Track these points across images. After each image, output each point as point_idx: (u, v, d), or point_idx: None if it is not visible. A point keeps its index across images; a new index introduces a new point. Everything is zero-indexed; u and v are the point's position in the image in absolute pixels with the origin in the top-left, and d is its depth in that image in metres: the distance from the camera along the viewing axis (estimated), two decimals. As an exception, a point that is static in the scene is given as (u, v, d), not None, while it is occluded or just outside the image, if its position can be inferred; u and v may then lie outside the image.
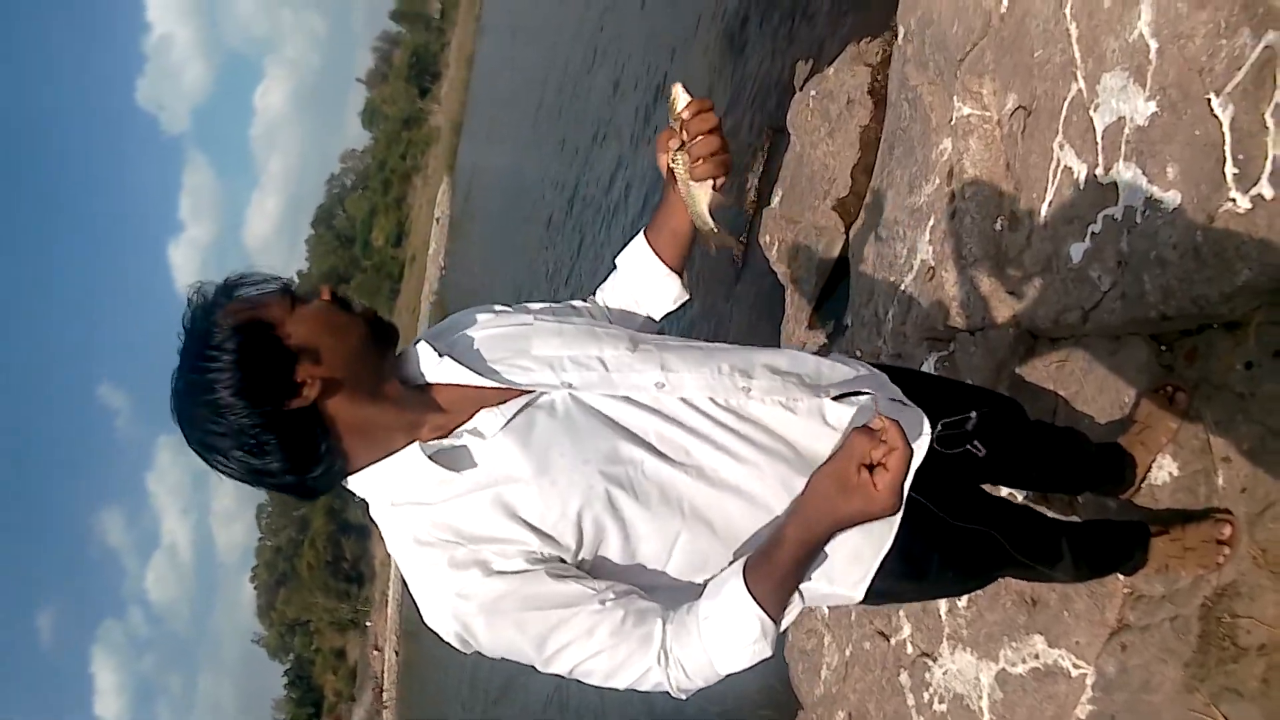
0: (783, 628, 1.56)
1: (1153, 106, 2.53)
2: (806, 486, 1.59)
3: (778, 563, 1.53)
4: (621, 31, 17.22)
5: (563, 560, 1.55)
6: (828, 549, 1.60)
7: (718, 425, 1.68)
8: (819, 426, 1.76)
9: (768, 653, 1.55)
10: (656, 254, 2.00)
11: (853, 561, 1.75)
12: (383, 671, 56.72)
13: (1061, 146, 2.93)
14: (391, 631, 54.35)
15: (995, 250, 3.31)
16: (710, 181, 1.68)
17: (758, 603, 1.50)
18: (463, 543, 1.51)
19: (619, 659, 1.53)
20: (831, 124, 5.18)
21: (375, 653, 64.32)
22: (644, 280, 2.05)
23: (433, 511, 1.54)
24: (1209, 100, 2.33)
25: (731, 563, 1.62)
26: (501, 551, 1.50)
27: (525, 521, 1.52)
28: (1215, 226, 2.32)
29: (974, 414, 1.96)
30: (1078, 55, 2.85)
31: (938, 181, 3.83)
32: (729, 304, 7.35)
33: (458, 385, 1.65)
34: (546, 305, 1.94)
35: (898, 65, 4.40)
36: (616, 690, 1.58)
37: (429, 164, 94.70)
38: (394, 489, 1.59)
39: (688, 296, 2.08)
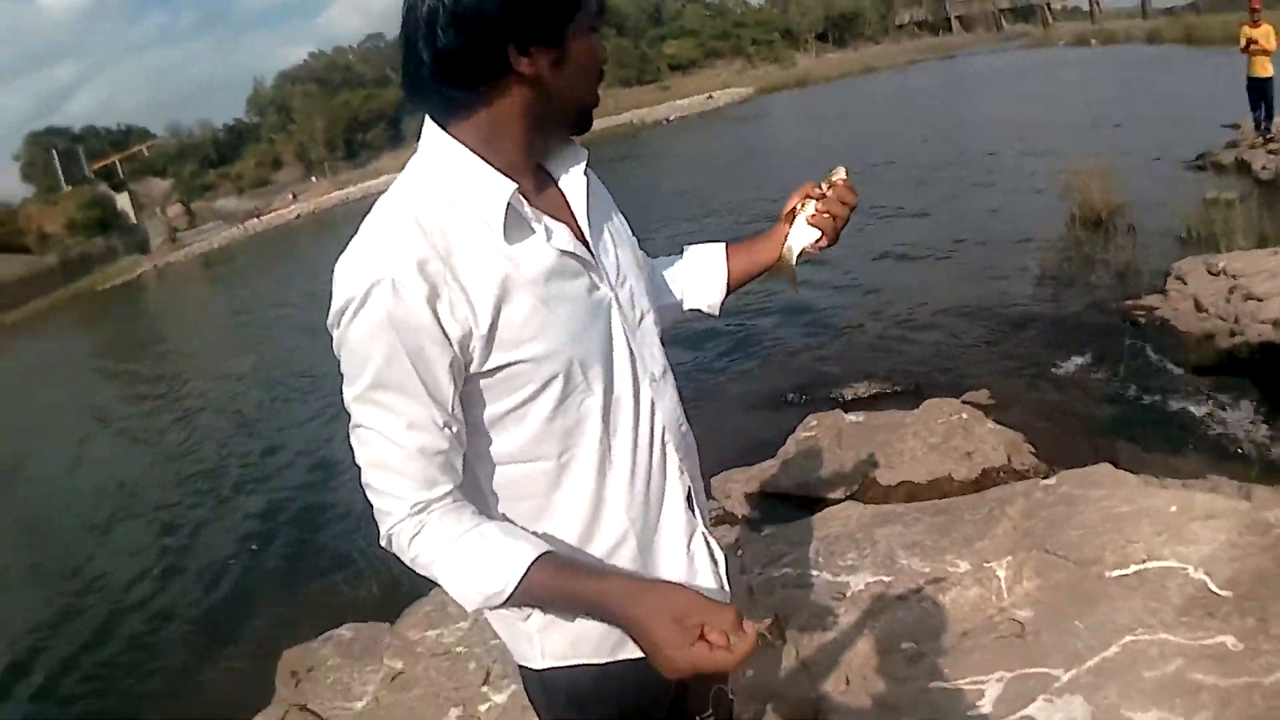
0: (496, 607, 1.62)
1: None
2: (662, 584, 1.67)
3: (570, 584, 1.57)
4: None
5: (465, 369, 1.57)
6: (594, 625, 1.65)
7: (649, 449, 1.78)
8: (680, 537, 1.84)
9: (473, 608, 1.61)
10: (727, 264, 2.16)
11: (577, 642, 1.77)
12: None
13: None
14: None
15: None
16: (817, 233, 2.00)
17: (520, 581, 1.54)
18: (442, 265, 1.51)
19: (395, 467, 1.57)
20: None
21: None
22: (702, 275, 2.18)
23: (455, 219, 1.56)
24: None
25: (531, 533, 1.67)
26: (455, 309, 1.51)
27: (497, 320, 1.54)
28: None
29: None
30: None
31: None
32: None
33: (565, 208, 1.74)
34: None
35: None
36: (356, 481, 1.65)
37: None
38: (454, 181, 1.59)
39: (717, 313, 2.22)
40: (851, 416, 7.38)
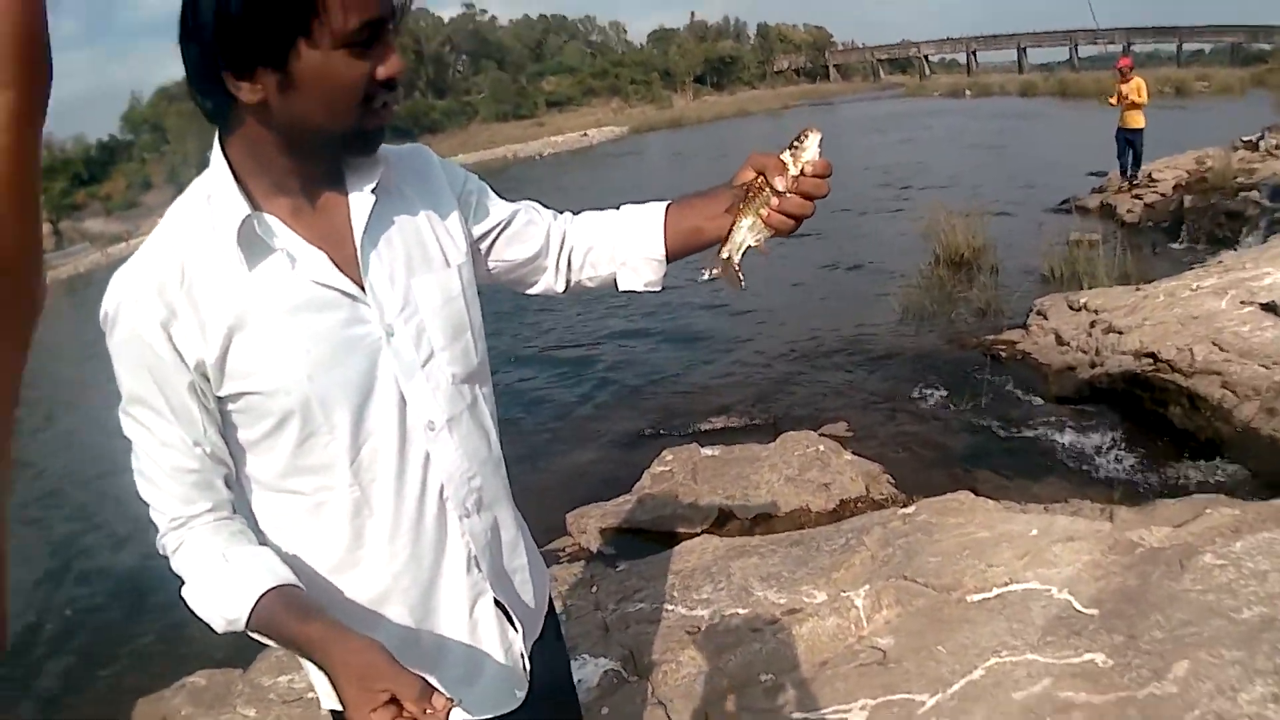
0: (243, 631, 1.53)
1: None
2: (355, 640, 1.45)
3: (286, 623, 1.48)
4: None
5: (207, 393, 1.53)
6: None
7: (419, 503, 1.67)
8: (461, 602, 1.76)
9: (220, 631, 1.53)
10: (666, 232, 1.84)
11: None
12: None
13: None
14: None
15: None
16: (769, 233, 1.62)
17: (252, 611, 1.48)
18: (180, 289, 1.47)
19: (156, 480, 1.55)
20: None
21: None
22: (635, 246, 1.88)
23: (209, 243, 1.50)
24: None
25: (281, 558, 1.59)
26: (187, 334, 1.47)
27: (228, 349, 1.49)
28: None
29: None
30: None
31: None
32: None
33: (347, 234, 1.61)
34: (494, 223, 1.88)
35: None
36: None
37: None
38: (214, 201, 1.51)
39: (659, 289, 1.93)
40: (707, 450, 7.25)
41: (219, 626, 1.51)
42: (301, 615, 1.48)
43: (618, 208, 1.93)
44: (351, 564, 1.66)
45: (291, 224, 1.54)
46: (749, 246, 1.65)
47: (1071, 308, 9.06)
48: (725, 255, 1.66)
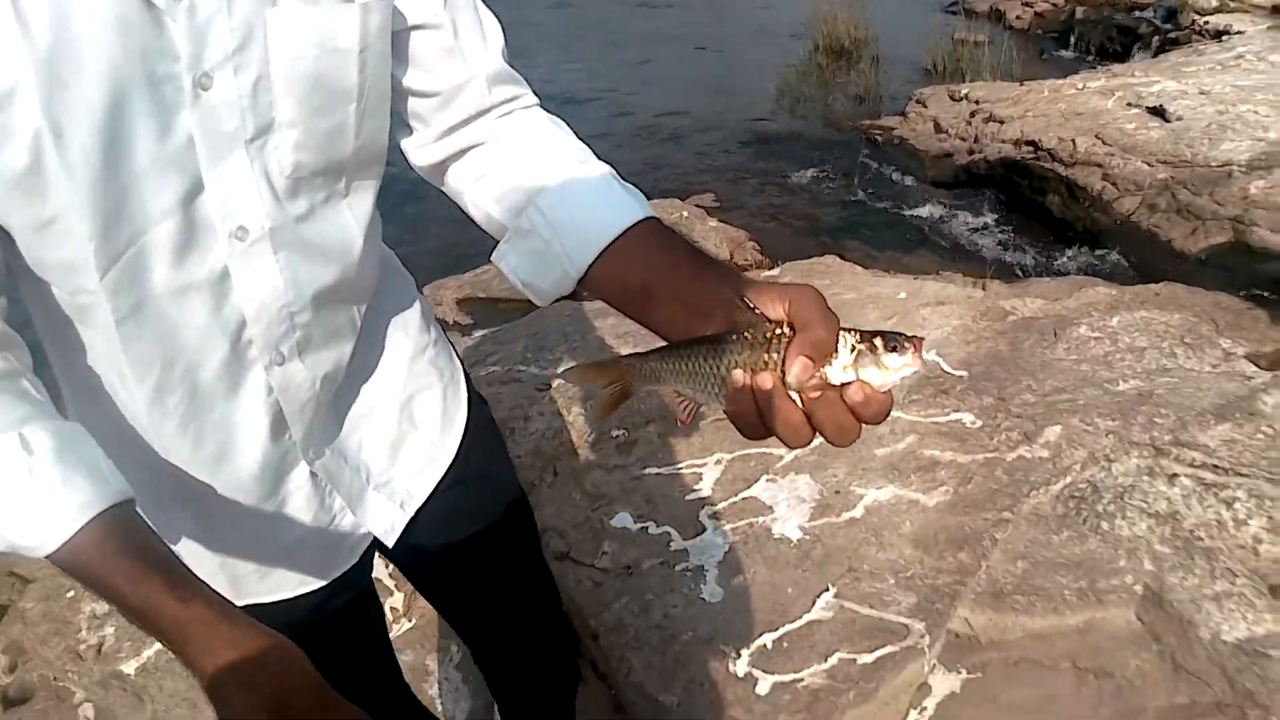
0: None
1: None
2: (275, 648, 0.99)
3: (136, 584, 0.96)
4: None
5: None
6: None
7: (203, 338, 1.16)
8: (259, 475, 1.30)
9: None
10: (608, 259, 1.11)
11: None
12: None
13: None
14: None
15: None
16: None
17: (64, 545, 0.94)
18: None
19: None
20: None
21: None
22: (557, 235, 1.14)
23: None
24: None
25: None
26: None
27: None
28: None
29: None
30: None
31: None
32: None
33: None
34: None
35: None
36: None
37: None
38: None
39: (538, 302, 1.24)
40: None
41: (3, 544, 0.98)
42: (165, 579, 0.98)
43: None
44: (95, 404, 1.19)
45: None
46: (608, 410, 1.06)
47: (952, 98, 8.88)
48: (610, 389, 1.04)
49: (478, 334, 5.16)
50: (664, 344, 1.01)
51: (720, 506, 3.12)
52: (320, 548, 1.44)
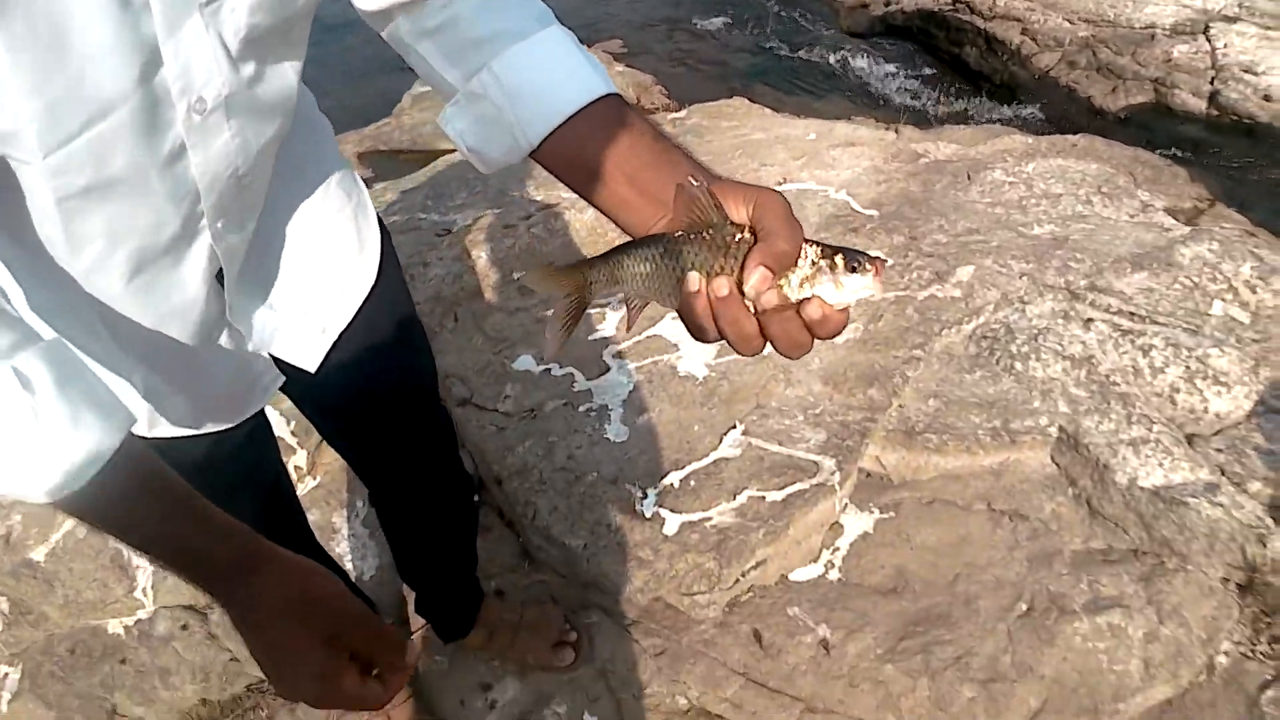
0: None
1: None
2: (317, 577, 1.05)
3: (196, 534, 0.99)
4: None
5: None
6: None
7: (156, 209, 1.04)
8: (195, 332, 1.24)
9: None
10: (562, 137, 1.03)
11: None
12: None
13: None
14: None
15: None
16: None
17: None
18: None
19: None
20: None
21: None
22: (513, 105, 1.04)
23: None
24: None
25: None
26: None
27: None
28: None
29: None
30: None
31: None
32: None
33: None
34: None
35: None
36: None
37: None
38: None
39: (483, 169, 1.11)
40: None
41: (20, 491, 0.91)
42: (193, 520, 1.00)
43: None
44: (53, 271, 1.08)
45: None
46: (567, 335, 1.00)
47: (870, -48, 8.73)
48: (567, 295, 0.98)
49: (378, 186, 5.10)
50: (618, 245, 0.95)
51: (624, 345, 3.05)
52: (237, 394, 1.45)
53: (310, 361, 1.48)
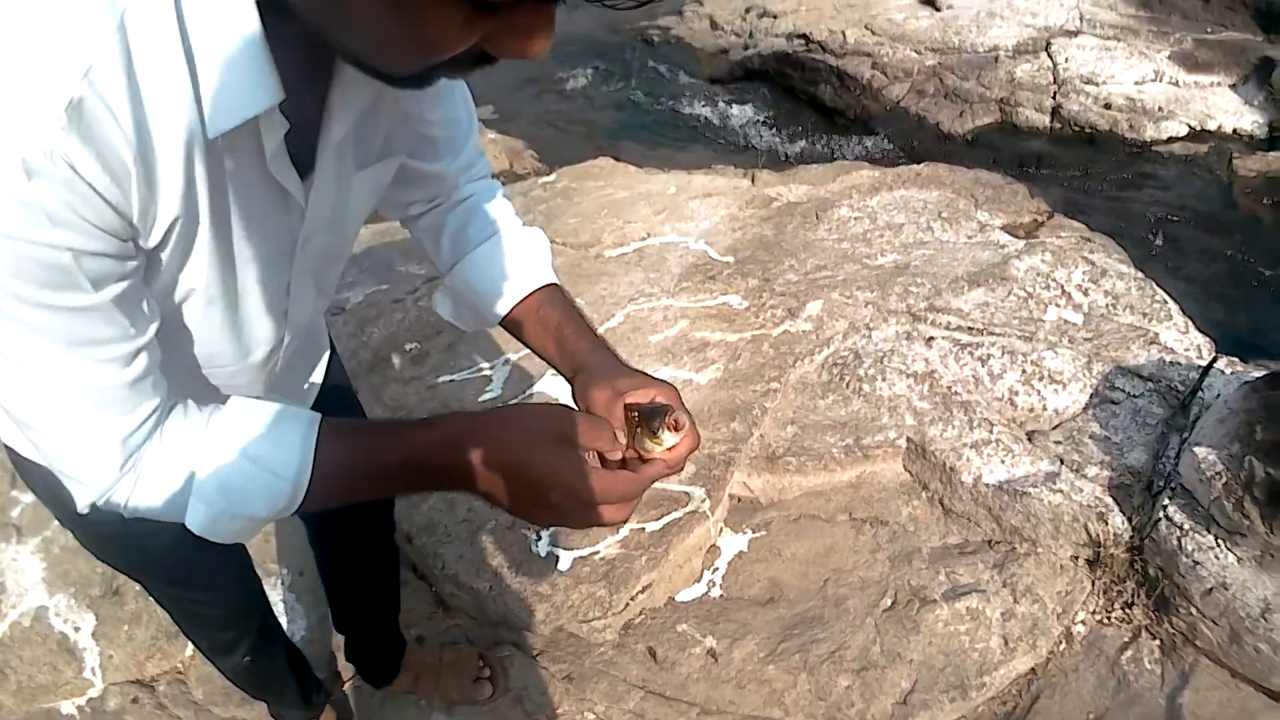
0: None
1: None
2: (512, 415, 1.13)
3: (415, 438, 1.11)
4: None
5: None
6: None
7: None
8: None
9: (265, 512, 1.09)
10: (524, 313, 1.44)
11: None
12: None
13: None
14: None
15: None
16: None
17: (316, 456, 1.08)
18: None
19: (88, 412, 1.01)
20: None
21: None
22: (486, 286, 1.46)
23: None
24: None
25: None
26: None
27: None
28: None
29: None
30: None
31: None
32: None
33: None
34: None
35: None
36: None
37: None
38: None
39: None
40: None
41: (268, 507, 1.09)
42: (402, 425, 1.15)
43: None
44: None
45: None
46: None
47: (729, -4, 8.99)
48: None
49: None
50: None
51: (511, 404, 3.26)
52: None
53: None
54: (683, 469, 1.19)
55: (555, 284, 1.46)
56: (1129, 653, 2.58)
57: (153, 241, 0.97)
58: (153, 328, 1.04)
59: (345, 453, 1.11)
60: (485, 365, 3.47)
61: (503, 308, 1.44)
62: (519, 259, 1.46)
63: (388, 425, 1.22)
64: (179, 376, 1.18)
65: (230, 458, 1.06)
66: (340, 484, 1.12)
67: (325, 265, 1.33)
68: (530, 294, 1.43)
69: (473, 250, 1.47)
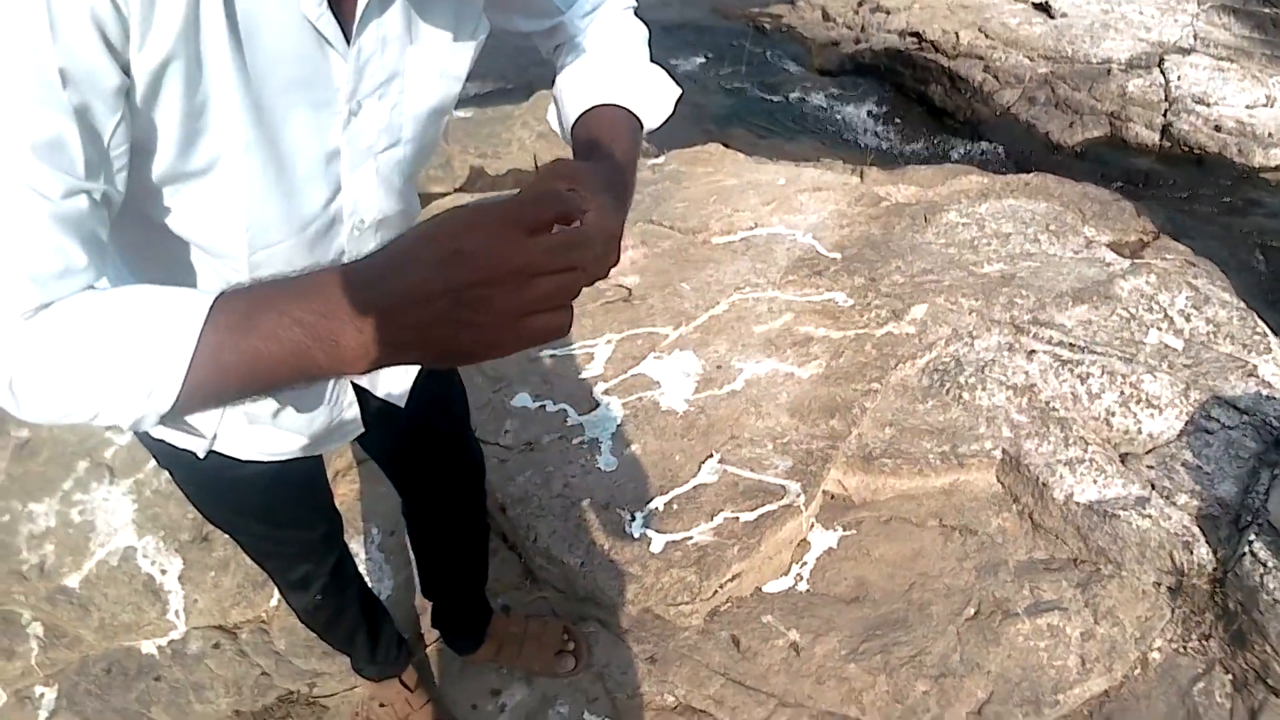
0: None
1: None
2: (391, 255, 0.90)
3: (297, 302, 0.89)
4: None
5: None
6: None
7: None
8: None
9: (131, 416, 0.91)
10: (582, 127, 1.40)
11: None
12: None
13: None
14: None
15: None
16: None
17: (200, 339, 0.87)
18: None
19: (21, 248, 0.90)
20: None
21: None
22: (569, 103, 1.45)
23: None
24: None
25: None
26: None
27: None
28: None
29: None
30: None
31: None
32: None
33: None
34: None
35: None
36: None
37: None
38: None
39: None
40: (458, 113, 7.01)
41: (139, 406, 0.90)
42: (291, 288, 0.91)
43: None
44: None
45: None
46: None
47: (841, -13, 8.93)
48: None
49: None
50: None
51: (612, 383, 3.31)
52: (328, 434, 1.71)
53: (402, 399, 1.78)
54: (606, 274, 1.04)
55: (607, 105, 1.41)
56: (1201, 684, 2.58)
57: (145, 65, 0.94)
58: (106, 188, 0.97)
59: (234, 334, 0.89)
60: (589, 343, 3.51)
61: (566, 127, 1.45)
62: (585, 78, 1.47)
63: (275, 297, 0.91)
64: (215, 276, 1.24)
65: (111, 326, 0.91)
66: (221, 367, 0.89)
67: (396, 156, 1.31)
68: (583, 113, 1.41)
69: (560, 70, 1.53)
